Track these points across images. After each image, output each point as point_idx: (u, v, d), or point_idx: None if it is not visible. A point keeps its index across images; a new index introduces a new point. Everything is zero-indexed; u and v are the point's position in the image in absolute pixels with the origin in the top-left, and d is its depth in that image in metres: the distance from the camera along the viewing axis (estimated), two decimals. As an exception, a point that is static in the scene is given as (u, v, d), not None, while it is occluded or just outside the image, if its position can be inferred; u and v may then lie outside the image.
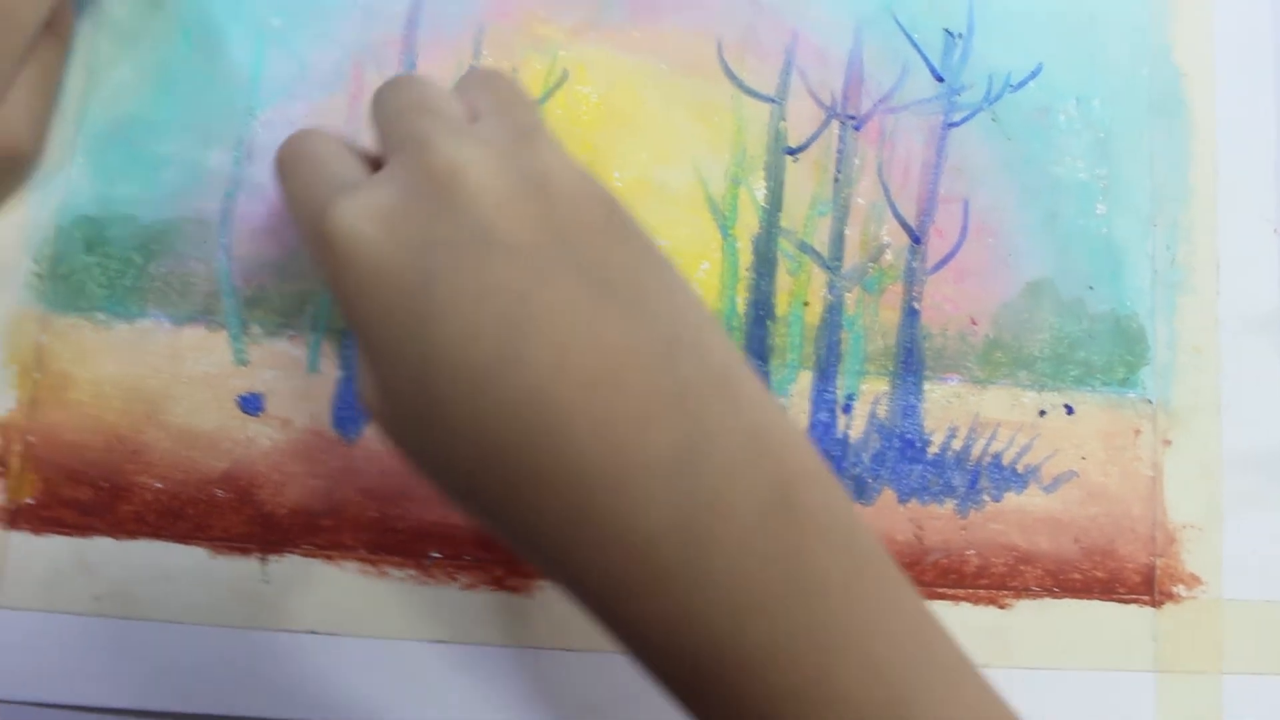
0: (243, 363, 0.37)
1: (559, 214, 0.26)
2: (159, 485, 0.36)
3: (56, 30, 0.36)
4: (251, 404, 0.36)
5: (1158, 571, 0.39)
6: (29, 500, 0.35)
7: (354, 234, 0.26)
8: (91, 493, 0.36)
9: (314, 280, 0.37)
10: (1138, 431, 0.39)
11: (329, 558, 0.36)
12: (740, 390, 0.26)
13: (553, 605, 0.36)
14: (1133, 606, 0.39)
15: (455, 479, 0.26)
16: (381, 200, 0.26)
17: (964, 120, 0.40)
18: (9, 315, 0.36)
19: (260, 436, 0.36)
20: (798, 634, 0.24)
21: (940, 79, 0.40)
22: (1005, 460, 0.39)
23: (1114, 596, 0.39)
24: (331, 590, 0.36)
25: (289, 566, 0.36)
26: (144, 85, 0.37)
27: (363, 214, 0.26)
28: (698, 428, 0.25)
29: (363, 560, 0.36)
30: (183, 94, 0.37)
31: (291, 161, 0.30)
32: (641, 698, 0.36)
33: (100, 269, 0.36)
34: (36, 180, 0.37)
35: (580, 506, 0.24)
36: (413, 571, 0.36)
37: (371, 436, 0.36)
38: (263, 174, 0.37)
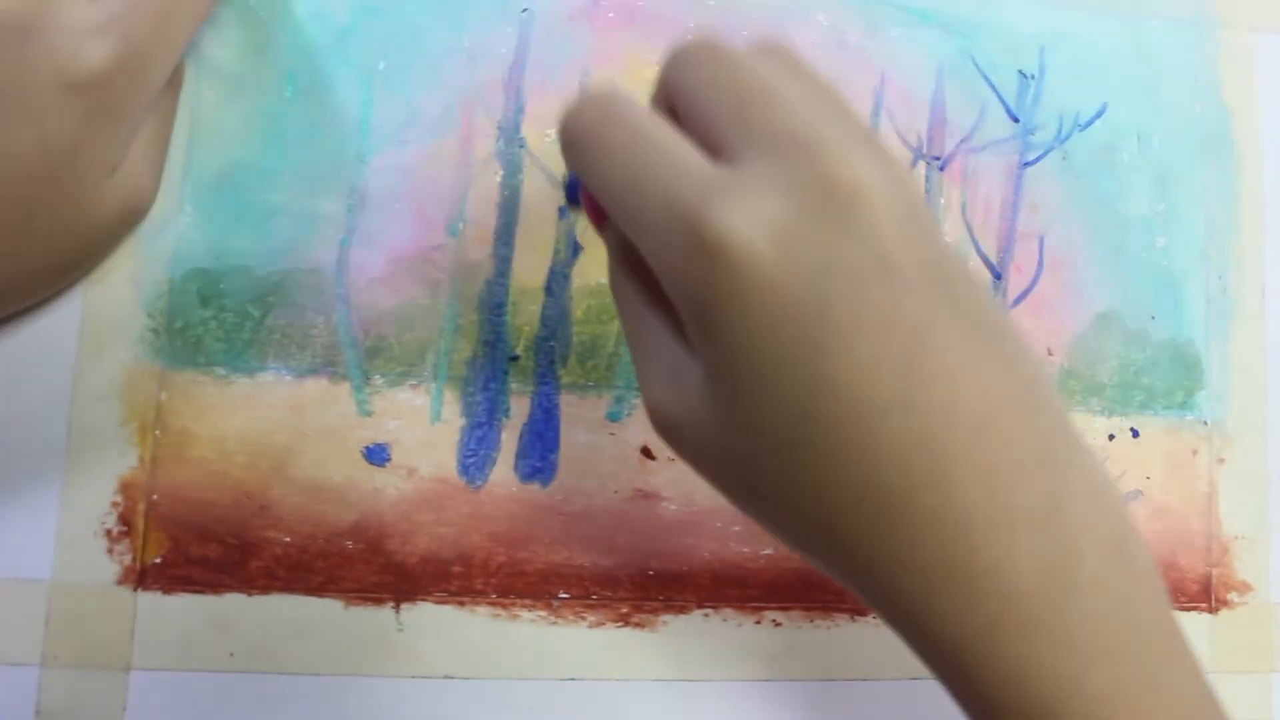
0: (366, 414, 0.36)
1: (931, 241, 0.25)
2: (288, 539, 0.36)
3: (172, 80, 0.35)
4: (377, 454, 0.36)
5: (1214, 580, 0.42)
6: (157, 560, 0.35)
7: (747, 246, 0.24)
8: (220, 550, 0.35)
9: (433, 328, 0.37)
10: (1195, 451, 0.42)
11: (460, 603, 0.36)
12: (1078, 440, 0.26)
13: (675, 639, 0.37)
14: (1192, 614, 0.41)
15: (809, 515, 0.26)
16: (776, 212, 0.24)
17: (1038, 159, 0.42)
18: (126, 372, 0.35)
19: (387, 487, 0.36)
20: (1132, 680, 0.25)
21: (1015, 119, 0.42)
22: (1079, 482, 0.41)
23: (1176, 605, 0.41)
24: (465, 635, 0.36)
25: (421, 614, 0.36)
26: (250, 133, 0.36)
27: (757, 225, 0.24)
28: (1059, 479, 0.25)
29: (493, 604, 0.37)
30: (290, 141, 0.37)
31: (612, 135, 0.27)
32: (758, 723, 0.38)
33: (217, 323, 0.36)
34: (146, 232, 0.36)
35: (956, 554, 0.24)
36: (542, 613, 0.37)
37: (497, 482, 0.37)
38: (377, 221, 0.37)
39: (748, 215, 0.24)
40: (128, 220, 0.34)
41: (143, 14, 0.31)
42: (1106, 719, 0.25)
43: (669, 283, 0.26)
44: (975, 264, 0.41)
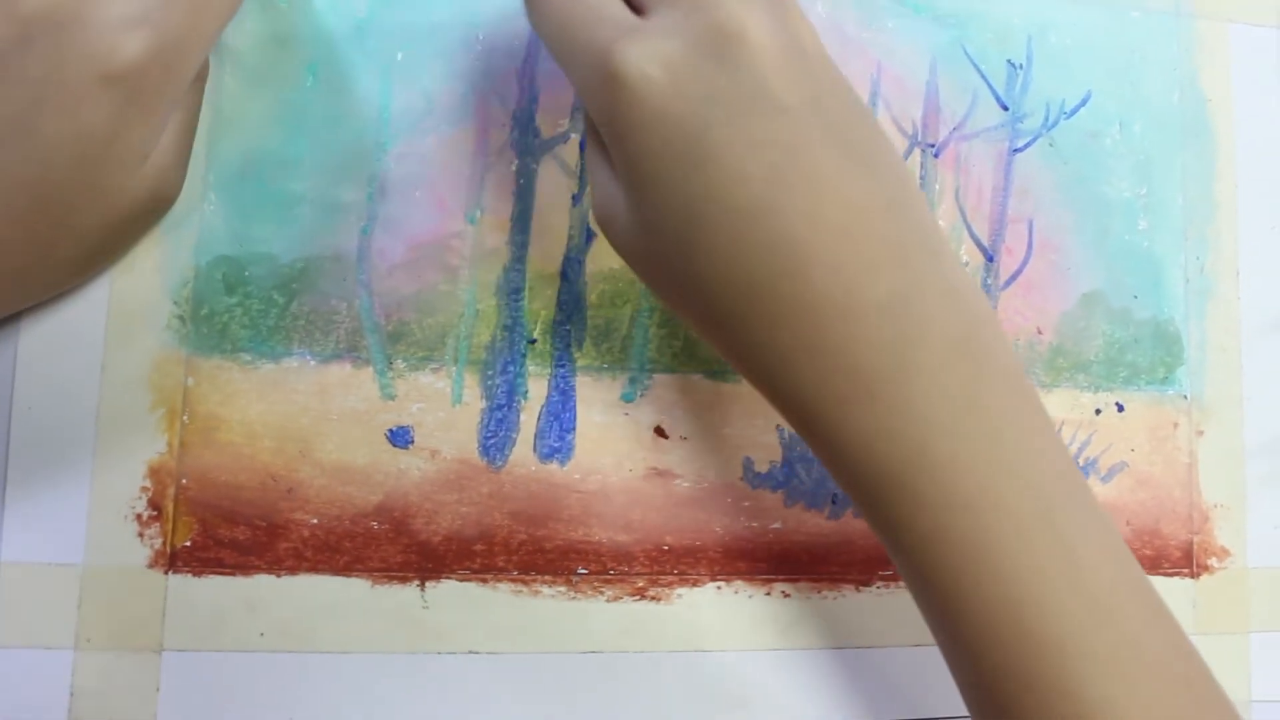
0: (390, 397, 0.37)
1: (815, 78, 0.29)
2: (315, 521, 0.36)
3: (199, 72, 0.35)
4: (401, 437, 0.37)
5: (1195, 547, 0.43)
6: (186, 543, 0.35)
7: (643, 76, 0.28)
8: (249, 532, 0.35)
9: (453, 313, 0.37)
10: (1176, 424, 0.43)
11: (484, 580, 0.37)
12: (940, 248, 0.30)
13: (689, 611, 0.38)
14: (1175, 579, 0.43)
15: (701, 307, 0.30)
16: (670, 49, 0.28)
17: (1026, 146, 0.43)
18: (153, 359, 0.35)
19: (411, 468, 0.37)
20: (975, 451, 0.28)
21: (1005, 107, 0.43)
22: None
23: (1160, 571, 0.43)
24: (488, 611, 0.37)
25: (446, 591, 0.37)
26: (273, 123, 0.36)
27: (653, 59, 0.28)
28: (910, 276, 0.29)
29: (515, 581, 0.37)
30: (312, 131, 0.37)
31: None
32: (771, 689, 0.38)
33: (242, 309, 0.36)
34: (171, 221, 0.35)
35: (811, 335, 0.28)
36: (562, 588, 0.37)
37: (517, 462, 0.37)
38: (397, 209, 0.37)
39: (646, 52, 0.28)
40: (156, 209, 0.34)
41: (177, 7, 0.31)
42: (951, 484, 0.28)
43: (590, 109, 0.30)
44: (968, 247, 0.42)
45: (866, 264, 0.28)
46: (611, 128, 0.29)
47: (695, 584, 0.38)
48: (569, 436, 0.38)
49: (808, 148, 0.28)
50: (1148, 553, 0.42)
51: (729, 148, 0.28)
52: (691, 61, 0.28)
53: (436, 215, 0.37)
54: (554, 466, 0.38)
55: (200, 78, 0.35)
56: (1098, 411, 0.43)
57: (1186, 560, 0.43)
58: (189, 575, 0.35)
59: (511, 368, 0.38)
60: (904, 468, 0.29)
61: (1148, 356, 0.43)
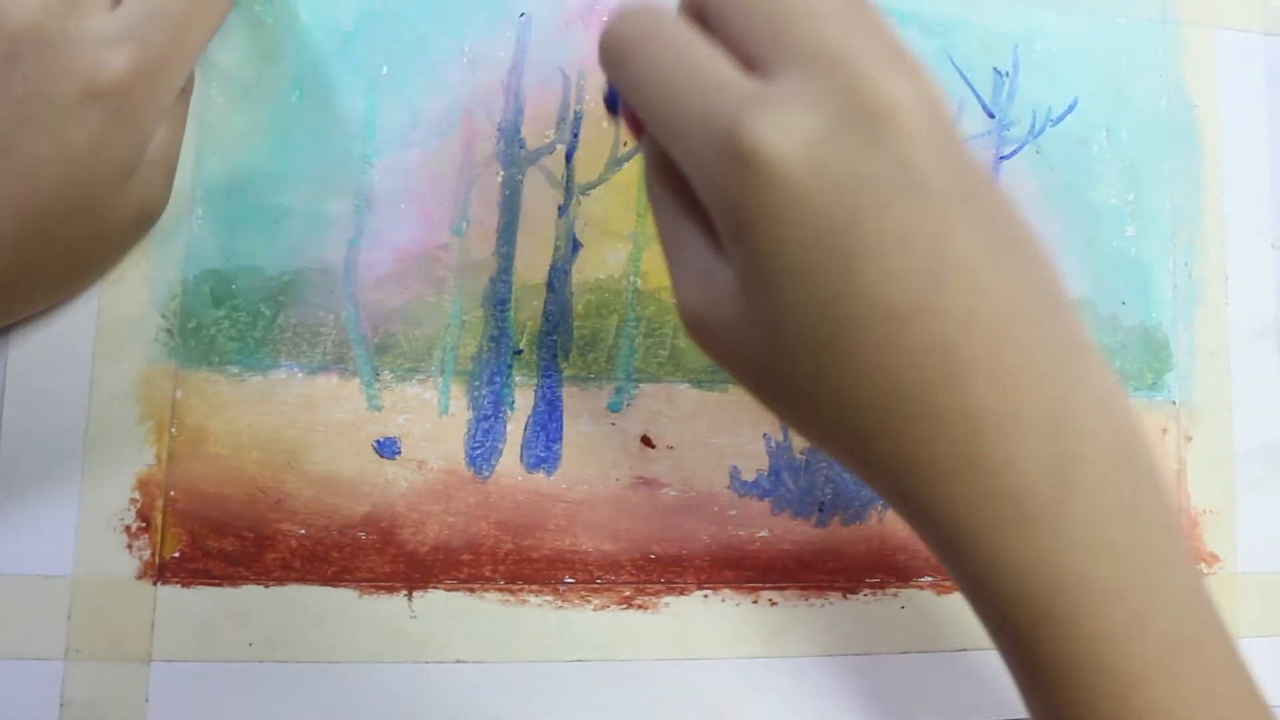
0: (376, 408, 0.37)
1: (957, 154, 0.26)
2: (302, 532, 0.36)
3: (184, 88, 0.35)
4: (388, 448, 0.37)
5: (1184, 552, 0.43)
6: (175, 554, 0.35)
7: (780, 157, 0.24)
8: (237, 543, 0.36)
9: (440, 325, 0.37)
10: (1165, 430, 0.43)
11: (471, 590, 0.37)
12: (1090, 348, 0.27)
13: (676, 620, 0.38)
14: (1164, 584, 0.43)
15: (831, 412, 0.27)
16: (809, 126, 0.24)
17: (1013, 153, 0.43)
18: (141, 372, 0.35)
19: (398, 479, 0.37)
20: (1131, 576, 0.26)
21: (991, 115, 0.43)
22: (1057, 462, 0.42)
23: (1149, 577, 0.43)
24: (475, 621, 0.37)
25: (433, 601, 0.37)
26: (259, 137, 0.37)
27: (790, 137, 0.24)
28: (1068, 385, 0.26)
29: (502, 590, 0.37)
30: (298, 145, 0.37)
31: (651, 48, 0.27)
32: (758, 697, 0.39)
33: (230, 322, 0.36)
34: (158, 235, 0.36)
35: (968, 451, 0.25)
36: (549, 597, 0.37)
37: (503, 473, 0.37)
38: (383, 222, 0.37)
39: (781, 128, 0.24)
40: (143, 223, 0.34)
41: (161, 24, 0.31)
42: (1103, 611, 0.26)
43: (705, 191, 0.26)
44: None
45: (1025, 371, 0.25)
46: (737, 215, 0.25)
47: (682, 592, 0.38)
48: (555, 446, 0.38)
49: (959, 238, 0.25)
50: (1136, 559, 0.42)
51: (881, 242, 0.24)
52: (833, 140, 0.24)
53: (423, 227, 0.38)
54: (540, 476, 0.38)
55: (185, 92, 0.35)
56: (1086, 418, 0.43)
57: (1175, 566, 0.43)
58: (178, 586, 0.35)
59: (498, 378, 0.38)
60: (1059, 596, 0.26)
61: (1136, 362, 0.43)
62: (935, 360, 0.25)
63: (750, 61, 0.26)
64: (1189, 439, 0.43)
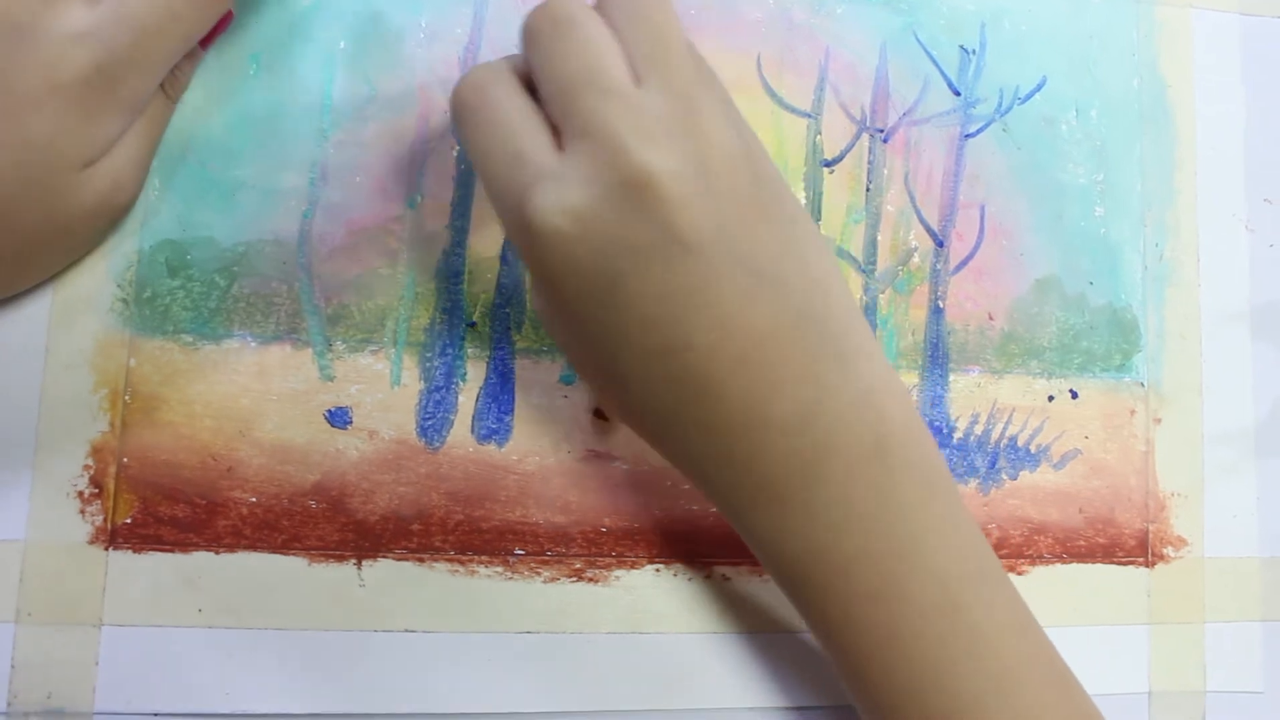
0: (329, 378, 0.37)
1: (725, 206, 0.29)
2: (253, 499, 0.36)
3: (169, 90, 0.35)
4: (339, 417, 0.37)
5: (1150, 535, 0.42)
6: (127, 520, 0.35)
7: (554, 230, 0.28)
8: (188, 510, 0.36)
9: (393, 296, 0.37)
10: (1133, 412, 0.43)
11: (420, 560, 0.37)
12: (854, 355, 0.31)
13: (627, 593, 0.38)
14: (1130, 568, 0.42)
15: (628, 410, 0.32)
16: (578, 201, 0.28)
17: (979, 131, 0.42)
18: (96, 341, 0.35)
19: (349, 448, 0.37)
20: (881, 546, 0.30)
21: (957, 93, 0.42)
22: (1020, 442, 0.42)
23: (1114, 559, 0.42)
24: (424, 590, 0.37)
25: (383, 570, 0.37)
26: (216, 111, 0.37)
27: (562, 212, 0.28)
28: (818, 392, 0.30)
29: (452, 560, 0.37)
30: (255, 118, 0.37)
31: (480, 119, 0.31)
32: (709, 671, 0.38)
33: (184, 292, 0.36)
34: (115, 205, 0.36)
35: (722, 450, 0.30)
36: (499, 569, 0.37)
37: (455, 444, 0.37)
38: (337, 194, 0.37)
39: (556, 205, 0.28)
40: (106, 214, 0.34)
41: (126, 27, 0.31)
42: (855, 577, 0.30)
43: (512, 244, 0.32)
44: (917, 232, 0.41)
45: (769, 385, 0.29)
46: (531, 267, 0.30)
47: (634, 566, 0.38)
48: (507, 418, 0.38)
49: (713, 283, 0.29)
50: (1101, 541, 0.42)
51: (639, 296, 0.28)
52: (601, 213, 0.28)
53: (377, 200, 0.37)
54: (492, 448, 0.38)
55: (171, 96, 0.35)
56: (1050, 398, 0.42)
57: (1141, 549, 0.42)
58: (129, 551, 0.35)
59: (450, 350, 0.38)
60: (813, 563, 0.31)
61: (1103, 343, 0.42)
62: (689, 384, 0.29)
63: (561, 134, 0.29)
64: (1157, 421, 0.43)
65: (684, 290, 0.28)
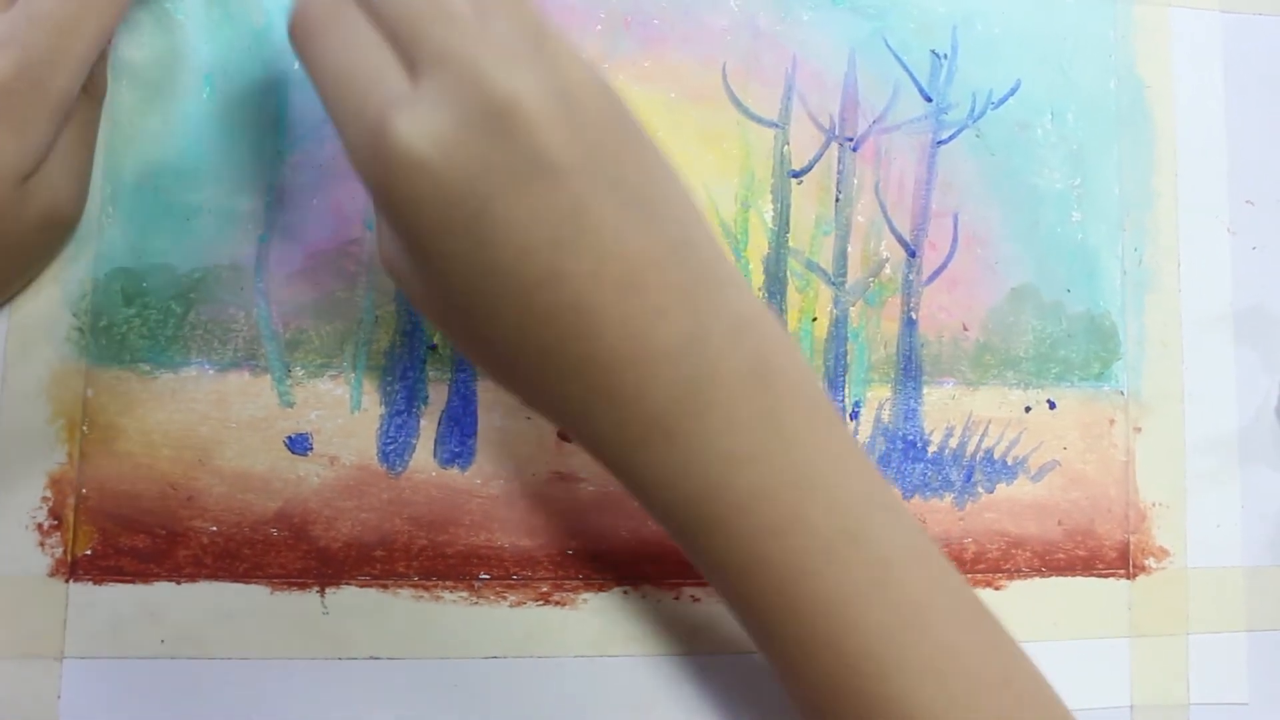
0: (288, 404, 0.36)
1: (589, 130, 0.27)
2: (214, 529, 0.36)
3: (91, 91, 0.34)
4: (299, 444, 0.36)
5: (1131, 547, 0.41)
6: (87, 552, 0.35)
7: (415, 155, 0.26)
8: (149, 540, 0.35)
9: (352, 320, 0.37)
10: (1112, 421, 0.42)
11: (384, 586, 0.36)
12: (728, 283, 0.29)
13: (595, 616, 0.37)
14: (1110, 580, 0.41)
15: (497, 363, 0.30)
16: (441, 125, 0.26)
17: (951, 137, 0.41)
18: (52, 371, 0.35)
19: (310, 475, 0.36)
20: (777, 478, 0.28)
21: (929, 99, 0.41)
22: (996, 454, 0.41)
23: (1094, 572, 0.41)
24: (389, 617, 0.36)
25: (346, 597, 0.36)
26: (169, 134, 0.36)
27: (424, 137, 0.26)
28: (698, 317, 0.28)
29: (416, 587, 0.36)
30: (209, 142, 0.36)
31: (331, 38, 0.29)
32: (679, 694, 0.38)
33: (140, 320, 0.36)
34: (68, 234, 0.35)
35: (604, 386, 0.28)
36: (464, 594, 0.37)
37: (417, 468, 0.37)
38: (294, 218, 0.36)
39: (418, 128, 0.26)
40: (52, 228, 0.34)
41: (43, 27, 0.31)
42: (757, 512, 0.28)
43: (361, 175, 0.28)
44: (889, 242, 0.40)
45: (651, 313, 0.28)
46: (384, 200, 0.27)
47: (601, 589, 0.38)
48: (470, 441, 0.37)
49: (588, 208, 0.27)
50: (1081, 553, 0.41)
51: (509, 222, 0.27)
52: (465, 139, 0.26)
53: (334, 223, 0.37)
54: (455, 472, 0.37)
55: (94, 96, 0.35)
56: (1027, 409, 0.41)
57: (1122, 560, 0.41)
58: (90, 583, 0.35)
59: (411, 373, 0.37)
60: (709, 501, 0.28)
61: (1081, 352, 0.41)
62: (566, 318, 0.27)
63: (404, 58, 0.28)
64: (1138, 430, 0.42)
65: (557, 215, 0.27)
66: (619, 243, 0.27)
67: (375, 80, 0.27)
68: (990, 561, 0.40)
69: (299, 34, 0.30)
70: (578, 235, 0.27)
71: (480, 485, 0.37)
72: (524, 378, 0.30)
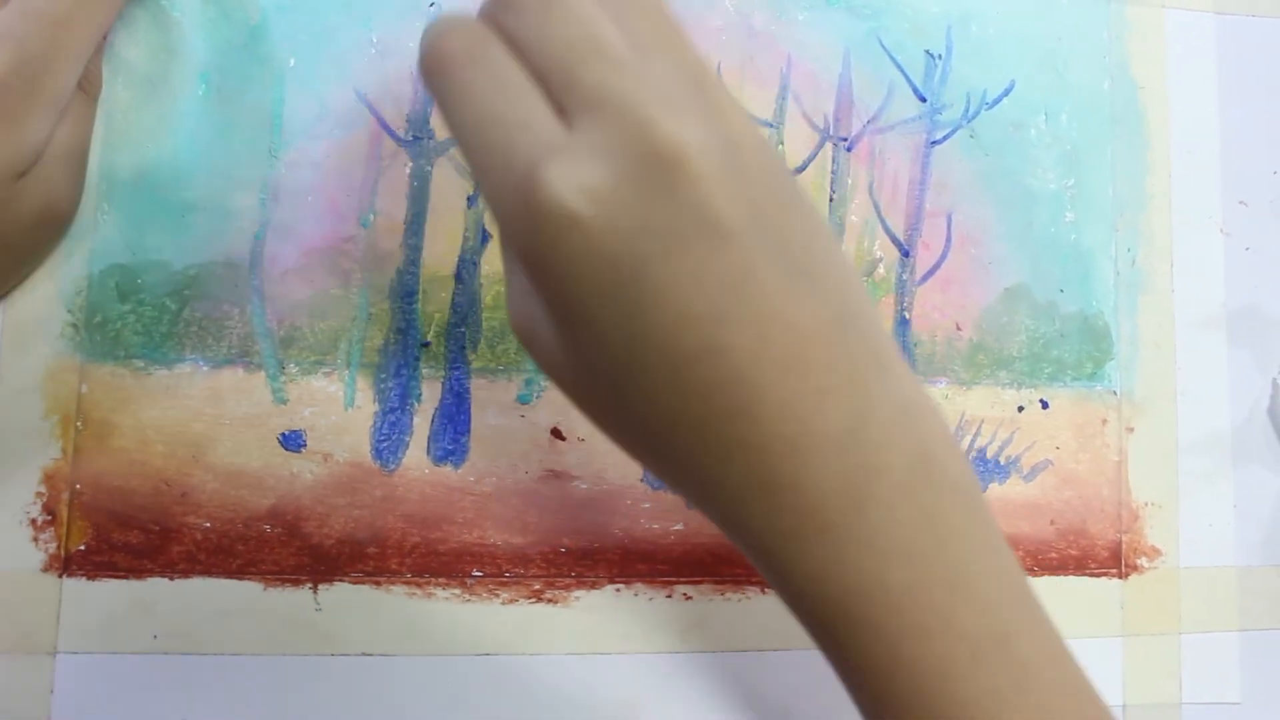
0: (282, 401, 0.36)
1: (755, 188, 0.25)
2: (208, 525, 0.36)
3: (87, 88, 0.34)
4: (293, 441, 0.36)
5: (1124, 546, 0.41)
6: (81, 547, 0.35)
7: (569, 209, 0.24)
8: (142, 536, 0.35)
9: (346, 317, 0.37)
10: (1105, 421, 0.42)
11: (377, 583, 0.36)
12: (891, 362, 0.27)
13: (587, 614, 0.37)
14: (1102, 579, 0.41)
15: (640, 441, 0.27)
16: (598, 177, 0.24)
17: (945, 138, 0.41)
18: (47, 367, 0.35)
19: (303, 472, 0.36)
20: (931, 576, 0.26)
21: (923, 99, 0.41)
22: (989, 454, 0.41)
23: (1086, 571, 0.41)
24: (381, 614, 0.36)
25: (339, 594, 0.36)
26: (165, 131, 0.36)
27: (579, 190, 0.24)
28: (863, 401, 0.26)
29: (409, 584, 0.37)
30: (204, 139, 0.36)
31: (471, 79, 0.26)
32: (671, 692, 0.38)
33: (135, 316, 0.36)
34: (63, 230, 0.36)
35: (761, 472, 0.25)
36: (457, 591, 0.37)
37: (410, 465, 0.37)
38: (289, 215, 0.36)
39: (572, 181, 0.24)
40: (47, 225, 0.34)
41: (38, 23, 0.31)
42: (904, 612, 0.26)
43: (502, 230, 0.26)
44: (882, 241, 0.40)
45: (814, 394, 0.25)
46: (530, 258, 0.25)
47: (594, 586, 0.38)
48: (463, 439, 0.37)
49: (753, 275, 0.25)
50: (1073, 552, 0.41)
51: (668, 288, 0.24)
52: (623, 193, 0.24)
53: (329, 220, 0.37)
54: (448, 469, 0.37)
55: (89, 93, 0.35)
56: (1020, 409, 0.41)
57: (1115, 560, 0.41)
58: (83, 579, 0.35)
59: (405, 371, 0.37)
60: (859, 599, 0.26)
61: (1074, 351, 0.42)
62: (724, 394, 0.25)
63: (556, 103, 0.26)
64: (1130, 430, 0.42)
65: (720, 282, 0.24)
66: (783, 314, 0.25)
67: (523, 125, 0.25)
68: (983, 561, 0.40)
69: (434, 71, 0.27)
70: (741, 305, 0.24)
71: (473, 483, 0.37)
72: (669, 457, 0.27)
